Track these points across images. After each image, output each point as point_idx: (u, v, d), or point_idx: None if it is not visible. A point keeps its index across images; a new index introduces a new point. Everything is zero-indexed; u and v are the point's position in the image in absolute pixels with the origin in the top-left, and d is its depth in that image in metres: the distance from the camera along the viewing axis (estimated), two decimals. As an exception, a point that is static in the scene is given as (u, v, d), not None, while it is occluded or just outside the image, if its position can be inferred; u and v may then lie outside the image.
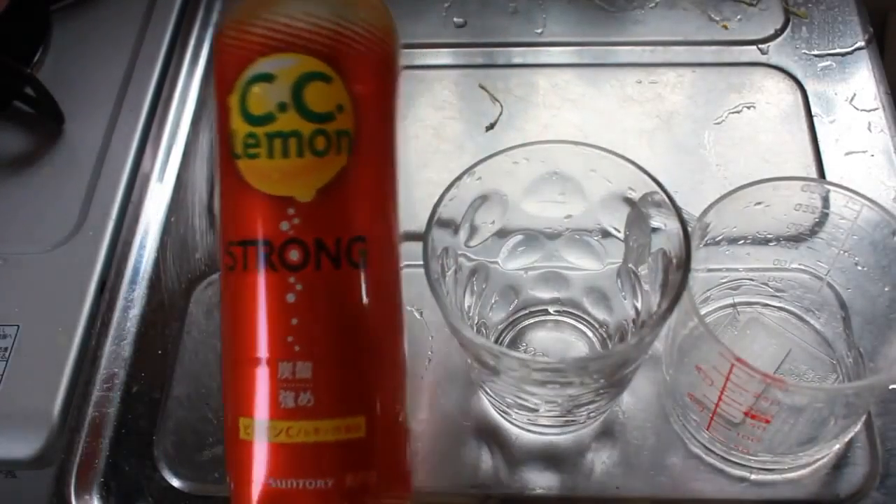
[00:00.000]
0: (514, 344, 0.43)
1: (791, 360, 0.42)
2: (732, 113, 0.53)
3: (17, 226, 0.50)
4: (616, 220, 0.39)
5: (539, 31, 0.58)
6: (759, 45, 0.56)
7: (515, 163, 0.38)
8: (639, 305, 0.40)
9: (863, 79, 0.54)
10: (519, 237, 0.41)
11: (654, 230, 0.37)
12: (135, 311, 0.47)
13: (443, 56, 0.58)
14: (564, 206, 0.40)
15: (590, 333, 0.43)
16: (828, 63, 0.55)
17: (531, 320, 0.44)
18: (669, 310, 0.34)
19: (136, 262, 0.49)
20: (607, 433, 0.41)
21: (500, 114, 0.54)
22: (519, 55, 0.57)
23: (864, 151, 0.51)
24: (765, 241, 0.42)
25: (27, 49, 0.56)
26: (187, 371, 0.45)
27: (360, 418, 0.34)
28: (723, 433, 0.39)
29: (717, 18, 0.58)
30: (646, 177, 0.36)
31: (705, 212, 0.37)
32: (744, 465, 0.40)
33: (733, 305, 0.44)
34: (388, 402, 0.36)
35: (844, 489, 0.39)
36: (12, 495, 0.45)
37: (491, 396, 0.41)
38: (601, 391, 0.37)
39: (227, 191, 0.35)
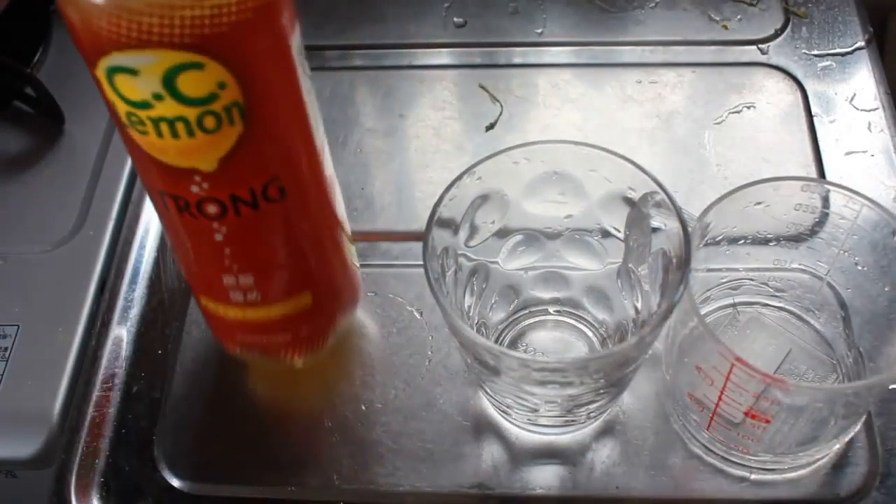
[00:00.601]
0: (514, 344, 0.43)
1: (791, 360, 0.42)
2: (732, 113, 0.53)
3: (17, 226, 0.50)
4: (616, 220, 0.39)
5: (539, 31, 0.58)
6: (759, 45, 0.56)
7: (515, 163, 0.38)
8: (639, 305, 0.40)
9: (863, 79, 0.54)
10: (519, 237, 0.41)
11: (655, 230, 0.37)
12: (135, 311, 0.47)
13: (443, 56, 0.58)
14: (565, 206, 0.40)
15: (590, 333, 0.43)
16: (828, 63, 0.55)
17: (531, 320, 0.44)
18: (669, 310, 0.34)
19: (136, 262, 0.49)
20: (607, 433, 0.41)
21: (500, 114, 0.54)
22: (519, 55, 0.57)
23: (864, 151, 0.51)
24: (765, 241, 0.42)
25: (27, 49, 0.56)
26: (187, 371, 0.45)
27: (306, 294, 0.39)
28: (723, 433, 0.39)
29: (717, 18, 0.58)
30: (646, 177, 0.36)
31: (705, 212, 0.37)
32: (744, 465, 0.40)
33: (733, 305, 0.44)
34: (334, 267, 0.40)
35: (844, 489, 0.39)
36: (12, 495, 0.45)
37: (491, 396, 0.41)
38: (601, 391, 0.37)
39: (129, 148, 0.33)
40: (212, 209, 0.34)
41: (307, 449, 0.42)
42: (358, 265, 0.43)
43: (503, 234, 0.41)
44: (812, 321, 0.43)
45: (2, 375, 0.44)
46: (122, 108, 0.31)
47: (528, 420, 0.41)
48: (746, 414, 0.36)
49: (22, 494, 0.45)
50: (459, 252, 0.39)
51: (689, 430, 0.41)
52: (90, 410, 0.43)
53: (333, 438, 0.42)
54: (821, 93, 0.54)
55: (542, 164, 0.39)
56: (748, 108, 0.53)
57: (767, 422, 0.36)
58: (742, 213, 0.39)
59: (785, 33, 0.57)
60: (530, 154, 0.38)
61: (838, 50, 0.56)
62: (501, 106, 0.54)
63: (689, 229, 0.35)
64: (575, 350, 0.43)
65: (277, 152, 0.34)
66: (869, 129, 0.52)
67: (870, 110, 0.53)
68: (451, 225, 0.38)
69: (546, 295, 0.44)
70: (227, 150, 0.32)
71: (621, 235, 0.40)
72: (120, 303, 0.47)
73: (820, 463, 0.40)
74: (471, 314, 0.41)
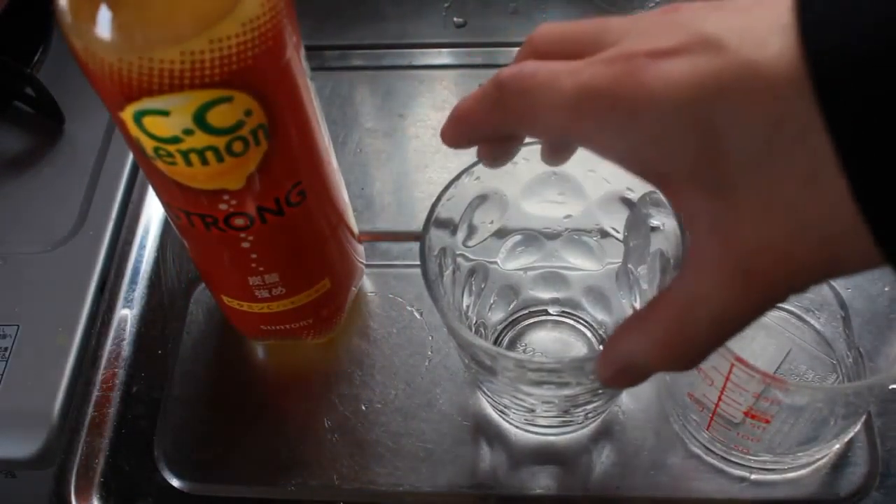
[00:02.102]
0: (513, 344, 0.43)
1: (791, 360, 0.42)
2: (732, 113, 0.53)
3: (17, 226, 0.50)
4: (615, 221, 0.39)
5: (539, 30, 0.58)
6: (759, 45, 0.56)
7: (514, 163, 0.38)
8: (637, 306, 0.40)
9: (863, 78, 0.54)
10: (518, 237, 0.41)
11: (653, 230, 0.37)
12: (135, 311, 0.47)
13: (443, 56, 0.58)
14: (564, 206, 0.40)
15: (589, 334, 0.43)
16: (828, 63, 0.55)
17: (531, 320, 0.44)
18: None
19: (136, 262, 0.49)
20: (607, 433, 0.41)
21: (500, 114, 0.54)
22: (519, 55, 0.57)
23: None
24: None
25: (27, 49, 0.56)
26: (187, 371, 0.45)
27: (325, 280, 0.40)
28: (722, 433, 0.39)
29: (717, 18, 0.58)
30: None
31: None
32: (743, 465, 0.40)
33: None
34: (348, 250, 0.41)
35: (844, 489, 0.39)
36: (12, 495, 0.45)
37: (489, 396, 0.41)
38: (598, 392, 0.37)
39: (150, 175, 0.34)
40: (239, 222, 0.34)
41: (307, 449, 0.42)
42: (358, 233, 0.44)
43: (502, 234, 0.41)
44: (812, 321, 0.43)
45: (2, 375, 0.44)
46: (149, 144, 0.31)
47: (526, 420, 0.41)
48: (746, 414, 0.36)
49: (22, 494, 0.45)
50: (458, 252, 0.39)
51: (689, 430, 0.41)
52: (90, 410, 0.43)
53: (333, 438, 0.42)
54: (821, 92, 0.54)
55: (541, 165, 0.38)
56: (748, 107, 0.53)
57: (767, 422, 0.36)
58: None
59: (785, 33, 0.57)
60: (529, 154, 0.38)
61: (838, 50, 0.56)
62: (501, 106, 0.54)
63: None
64: (574, 350, 0.43)
65: (298, 160, 0.35)
66: (869, 128, 0.52)
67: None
68: (449, 225, 0.38)
69: (545, 295, 0.44)
70: (254, 168, 0.32)
71: (620, 236, 0.40)
72: (120, 303, 0.47)
73: (820, 463, 0.40)
74: (469, 314, 0.41)
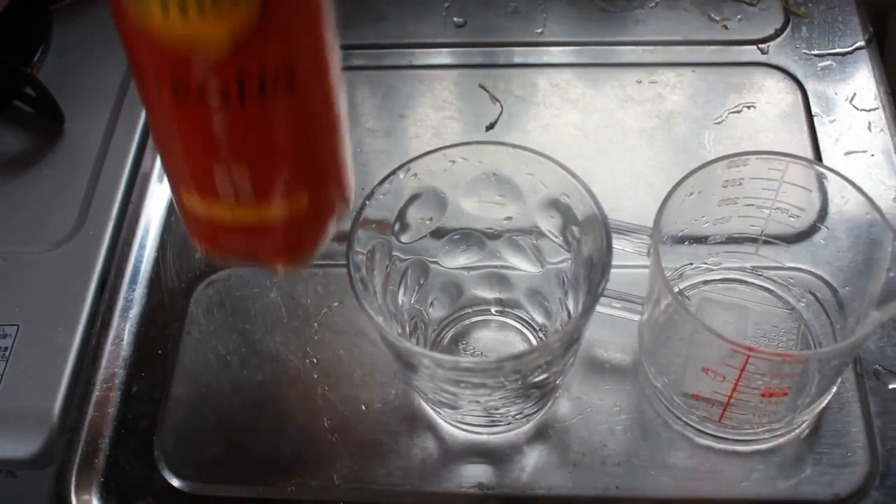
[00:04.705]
0: (454, 342, 0.43)
1: (754, 324, 0.42)
2: (732, 113, 0.53)
3: (17, 226, 0.50)
4: (552, 224, 0.39)
5: (539, 31, 0.58)
6: (759, 45, 0.56)
7: (453, 161, 0.38)
8: (571, 310, 0.40)
9: (863, 79, 0.54)
10: (457, 236, 0.41)
11: (585, 235, 0.37)
12: (135, 311, 0.47)
13: (443, 56, 0.58)
14: (504, 207, 0.40)
15: (530, 335, 0.43)
16: (828, 63, 0.55)
17: (474, 319, 0.44)
18: (583, 316, 0.34)
19: (136, 262, 0.49)
20: (607, 433, 0.41)
21: (500, 114, 0.54)
22: (519, 55, 0.57)
23: (864, 151, 0.51)
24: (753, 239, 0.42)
25: (27, 49, 0.56)
26: (187, 371, 0.45)
27: (302, 195, 0.34)
28: (736, 419, 0.39)
29: (717, 18, 0.58)
30: (577, 183, 0.36)
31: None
32: (755, 440, 0.40)
33: (680, 292, 0.44)
34: (332, 171, 0.35)
35: (844, 489, 0.39)
36: (12, 495, 0.45)
37: (424, 395, 0.40)
38: (522, 394, 0.37)
39: (126, 38, 0.31)
40: (214, 94, 0.30)
41: (307, 449, 0.42)
42: (352, 167, 0.38)
43: (441, 232, 0.40)
44: (756, 282, 0.43)
45: (2, 375, 0.44)
46: None
47: (456, 420, 0.41)
48: (763, 395, 0.36)
49: (22, 494, 0.45)
50: (393, 248, 0.39)
51: (693, 425, 0.41)
52: (90, 410, 0.43)
53: (333, 438, 0.42)
54: (821, 93, 0.54)
55: (480, 165, 0.38)
56: (748, 107, 0.53)
57: (785, 394, 0.36)
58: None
59: (785, 33, 0.57)
60: (468, 153, 0.38)
61: (838, 50, 0.56)
62: (501, 106, 0.54)
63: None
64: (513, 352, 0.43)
65: (293, 35, 0.31)
66: (869, 129, 0.52)
67: (870, 110, 0.53)
68: (383, 220, 0.37)
69: (489, 295, 0.44)
70: (239, 32, 0.29)
71: (558, 239, 0.39)
72: (120, 303, 0.47)
73: (820, 462, 0.40)
74: (404, 310, 0.41)
